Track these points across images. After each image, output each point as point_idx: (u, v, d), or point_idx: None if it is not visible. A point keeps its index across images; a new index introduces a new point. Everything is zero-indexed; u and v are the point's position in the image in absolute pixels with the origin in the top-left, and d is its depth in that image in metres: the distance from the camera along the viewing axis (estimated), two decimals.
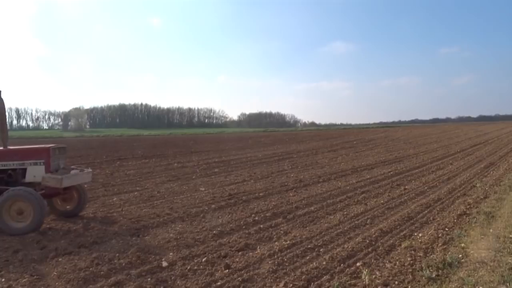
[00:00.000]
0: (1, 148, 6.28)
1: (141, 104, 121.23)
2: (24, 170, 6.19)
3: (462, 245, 4.76)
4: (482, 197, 7.57)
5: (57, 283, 3.81)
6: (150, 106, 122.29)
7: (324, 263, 4.20)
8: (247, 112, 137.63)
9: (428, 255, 4.45)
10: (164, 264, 4.25)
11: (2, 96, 6.19)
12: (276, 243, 4.94)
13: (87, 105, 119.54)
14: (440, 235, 5.17)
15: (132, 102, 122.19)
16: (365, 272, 3.93)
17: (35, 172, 6.15)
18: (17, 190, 5.68)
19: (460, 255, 4.38)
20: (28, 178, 6.16)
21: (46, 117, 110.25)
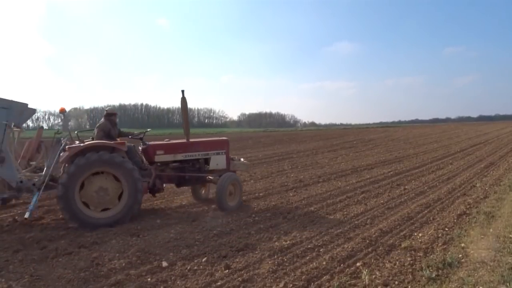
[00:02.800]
0: (185, 141, 7.18)
1: (141, 104, 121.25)
2: (207, 159, 7.26)
3: (462, 245, 4.76)
4: (482, 197, 7.57)
5: (57, 283, 3.81)
6: (150, 106, 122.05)
7: (324, 263, 4.20)
8: (247, 112, 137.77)
9: (428, 255, 4.45)
10: (164, 264, 4.25)
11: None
12: (276, 243, 4.94)
13: (87, 105, 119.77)
14: (440, 235, 5.17)
15: (132, 102, 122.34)
16: (365, 272, 3.93)
17: (218, 161, 7.32)
18: (234, 175, 7.09)
19: (460, 255, 4.39)
20: (212, 166, 7.27)
21: (46, 117, 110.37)
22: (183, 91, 6.84)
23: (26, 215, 5.46)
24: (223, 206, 6.66)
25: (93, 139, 6.63)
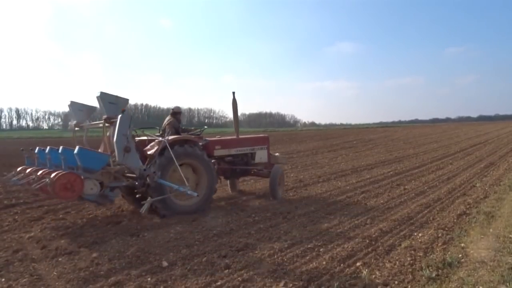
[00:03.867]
0: (235, 137, 7.99)
1: (142, 104, 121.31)
2: (253, 154, 8.13)
3: (462, 245, 4.76)
4: (482, 197, 7.57)
5: (57, 283, 3.81)
6: (150, 106, 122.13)
7: (324, 263, 4.20)
8: (247, 112, 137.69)
9: (428, 255, 4.45)
10: (164, 264, 4.24)
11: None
12: (276, 243, 4.93)
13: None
14: (440, 235, 5.17)
15: (133, 102, 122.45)
16: (365, 272, 3.93)
17: (261, 155, 8.21)
18: (280, 168, 8.05)
19: (460, 255, 4.39)
20: (257, 159, 8.15)
21: (46, 117, 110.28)
22: (234, 93, 7.67)
23: (194, 194, 6.16)
24: (276, 195, 7.63)
25: (162, 135, 7.19)
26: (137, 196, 6.59)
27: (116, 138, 5.71)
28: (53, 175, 5.26)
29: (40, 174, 5.65)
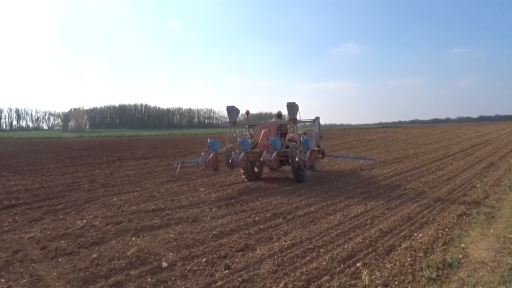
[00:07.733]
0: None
1: (141, 104, 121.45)
2: None
3: (462, 245, 4.76)
4: (482, 197, 7.57)
5: (57, 284, 3.81)
6: (150, 106, 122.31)
7: (324, 263, 4.20)
8: None
9: (428, 255, 4.45)
10: (164, 264, 4.25)
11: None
12: (276, 243, 4.94)
13: (87, 106, 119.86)
14: (440, 235, 5.17)
15: (133, 103, 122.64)
16: (365, 273, 3.93)
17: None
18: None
19: (460, 256, 4.38)
20: None
21: (46, 117, 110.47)
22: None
23: (375, 159, 10.08)
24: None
25: (279, 133, 10.34)
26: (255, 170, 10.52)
27: (318, 130, 10.45)
28: (308, 153, 9.23)
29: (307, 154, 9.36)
